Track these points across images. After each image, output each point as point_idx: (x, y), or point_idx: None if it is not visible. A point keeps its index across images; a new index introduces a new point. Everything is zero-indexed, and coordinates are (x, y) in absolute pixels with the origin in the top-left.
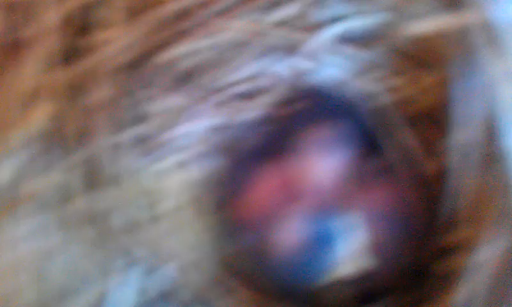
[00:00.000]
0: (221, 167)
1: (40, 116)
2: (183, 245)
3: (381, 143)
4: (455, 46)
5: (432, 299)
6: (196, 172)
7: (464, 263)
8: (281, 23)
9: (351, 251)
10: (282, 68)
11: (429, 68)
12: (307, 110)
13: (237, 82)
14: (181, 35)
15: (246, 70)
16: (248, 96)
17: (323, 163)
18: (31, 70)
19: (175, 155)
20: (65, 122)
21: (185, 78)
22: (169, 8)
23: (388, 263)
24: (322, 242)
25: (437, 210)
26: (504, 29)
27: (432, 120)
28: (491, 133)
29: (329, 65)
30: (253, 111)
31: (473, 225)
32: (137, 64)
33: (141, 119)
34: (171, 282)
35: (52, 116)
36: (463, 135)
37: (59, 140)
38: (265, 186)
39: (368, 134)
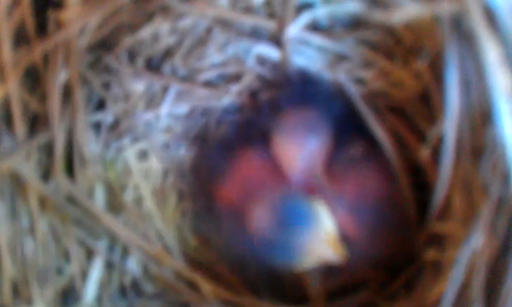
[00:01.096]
0: (190, 156)
1: None
2: (145, 236)
3: (360, 131)
4: (438, 35)
5: (421, 286)
6: (159, 161)
7: (455, 252)
8: (249, 11)
9: (322, 235)
10: (250, 56)
11: (401, 60)
12: (277, 98)
13: (204, 69)
14: (145, 19)
15: (213, 57)
16: (215, 84)
17: (295, 149)
18: None
19: (138, 143)
20: (18, 106)
21: (149, 64)
22: None
23: (372, 251)
24: (292, 225)
25: (425, 199)
26: (499, 15)
27: (404, 113)
28: (483, 120)
29: (298, 54)
30: (219, 99)
31: (463, 214)
32: (98, 48)
33: (102, 104)
34: (133, 275)
35: (2, 101)
36: (452, 124)
37: (10, 125)
38: (238, 173)
39: (342, 122)
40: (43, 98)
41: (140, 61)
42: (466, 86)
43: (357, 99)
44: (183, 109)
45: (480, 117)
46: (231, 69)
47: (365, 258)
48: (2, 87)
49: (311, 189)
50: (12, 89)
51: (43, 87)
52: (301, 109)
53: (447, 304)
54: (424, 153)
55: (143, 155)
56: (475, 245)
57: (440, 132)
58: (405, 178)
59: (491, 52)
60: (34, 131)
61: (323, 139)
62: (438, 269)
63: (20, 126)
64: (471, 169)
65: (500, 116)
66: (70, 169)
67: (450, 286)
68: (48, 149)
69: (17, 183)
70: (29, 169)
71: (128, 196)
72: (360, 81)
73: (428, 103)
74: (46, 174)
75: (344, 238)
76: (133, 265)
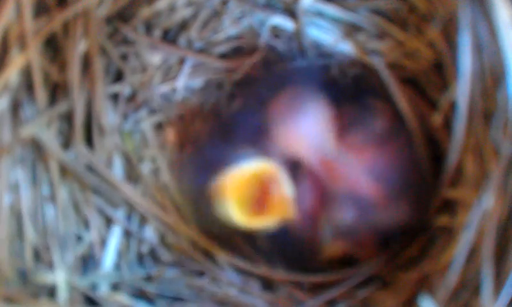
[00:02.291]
0: (203, 130)
1: (12, 69)
2: (162, 206)
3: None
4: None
5: (433, 252)
6: (175, 134)
7: (466, 216)
8: None
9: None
10: (265, 28)
11: (415, 29)
12: (288, 72)
13: (219, 42)
14: None
15: (228, 30)
16: (230, 56)
17: (305, 122)
18: (1, 22)
19: (154, 115)
20: (39, 75)
21: (165, 36)
22: None
23: (390, 217)
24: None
25: (438, 169)
26: None
27: (418, 85)
28: (495, 83)
29: (312, 26)
30: (234, 72)
31: (475, 179)
32: (115, 20)
33: (119, 76)
34: (150, 243)
35: (24, 69)
36: (464, 87)
37: (31, 93)
38: (249, 148)
39: (352, 94)
40: (63, 67)
41: (157, 33)
42: (478, 49)
43: (381, 67)
44: (198, 82)
45: (492, 80)
46: (246, 42)
47: (387, 224)
48: (23, 56)
49: (326, 163)
50: (33, 57)
51: (63, 57)
52: (296, 87)
53: (457, 267)
54: (437, 119)
55: (160, 127)
56: (485, 207)
57: (452, 97)
58: (423, 146)
59: (503, 13)
60: (55, 100)
61: (322, 115)
62: (450, 235)
63: (41, 95)
64: (482, 133)
65: (511, 76)
66: (88, 139)
67: (460, 250)
68: (68, 118)
69: (38, 151)
70: (50, 137)
71: (145, 167)
72: (374, 52)
73: (441, 73)
74: (66, 144)
75: (367, 203)
76: (150, 233)
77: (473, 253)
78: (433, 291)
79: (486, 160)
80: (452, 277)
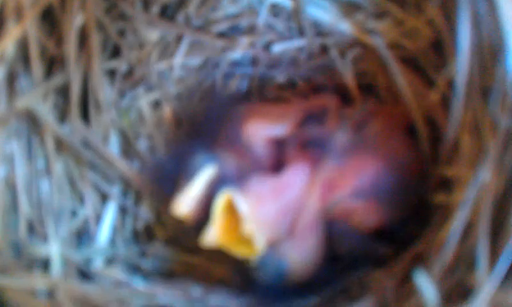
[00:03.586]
0: (202, 108)
1: (8, 40)
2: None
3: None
4: None
5: (429, 231)
6: (172, 112)
7: (462, 193)
8: None
9: None
10: (264, 7)
11: (413, 7)
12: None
13: (217, 20)
14: None
15: (226, 8)
16: (228, 35)
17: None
18: None
19: (151, 92)
20: (35, 47)
21: (163, 13)
22: None
23: (390, 195)
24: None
25: (437, 143)
26: None
27: (417, 64)
28: (493, 58)
29: (311, 5)
30: (232, 51)
31: (471, 156)
32: None
33: (116, 52)
34: (145, 220)
35: (20, 41)
36: (463, 63)
37: (27, 66)
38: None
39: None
40: (59, 41)
41: (155, 9)
42: (477, 24)
43: (381, 46)
44: (196, 60)
45: (491, 55)
46: (244, 20)
47: (397, 198)
48: (19, 27)
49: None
50: (29, 29)
51: (59, 31)
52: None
53: (452, 243)
54: (434, 96)
55: (157, 105)
56: (482, 182)
57: (450, 74)
58: (421, 126)
59: None
60: (51, 73)
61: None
62: (446, 213)
63: (37, 67)
64: (480, 108)
65: (509, 49)
66: (85, 115)
67: (456, 225)
68: (64, 93)
69: (34, 124)
70: (45, 111)
71: (141, 145)
72: (373, 32)
73: (440, 52)
74: (62, 118)
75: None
76: (145, 211)
77: (469, 229)
78: (429, 267)
79: (483, 135)
80: (448, 253)
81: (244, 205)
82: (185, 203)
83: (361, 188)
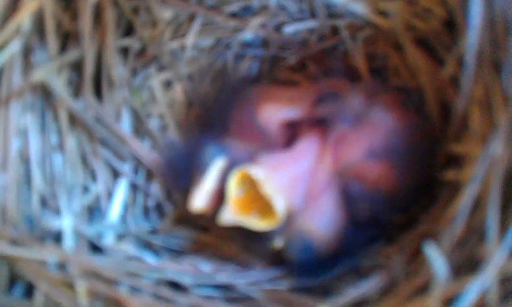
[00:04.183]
0: (213, 89)
1: (24, 12)
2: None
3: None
4: None
5: (438, 207)
6: (184, 92)
7: (472, 169)
8: None
9: None
10: None
11: None
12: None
13: (230, 1)
14: None
15: None
16: (240, 16)
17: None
18: None
19: (163, 72)
20: (51, 21)
21: None
22: None
23: (401, 158)
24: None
25: (446, 122)
26: None
27: (428, 45)
28: (506, 32)
29: None
30: (243, 32)
31: (481, 133)
32: None
33: (129, 31)
34: (156, 198)
35: (36, 14)
36: (474, 36)
37: (44, 39)
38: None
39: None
40: (74, 16)
41: None
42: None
43: (396, 27)
44: (207, 41)
45: (503, 30)
46: (256, 1)
47: (406, 174)
48: (36, 1)
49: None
50: (45, 2)
51: (75, 6)
52: None
53: (462, 216)
54: (446, 72)
55: (168, 85)
56: (493, 155)
57: (461, 51)
58: (432, 104)
59: None
60: (66, 48)
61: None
62: (455, 189)
63: (52, 41)
64: (491, 83)
65: None
66: (97, 92)
67: (466, 198)
68: (78, 68)
69: (48, 99)
70: (59, 85)
71: (153, 124)
72: (385, 13)
73: (452, 33)
74: (75, 94)
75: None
76: (156, 188)
77: (479, 202)
78: (438, 241)
79: (494, 109)
80: (458, 226)
81: (259, 170)
82: (200, 198)
83: (374, 149)
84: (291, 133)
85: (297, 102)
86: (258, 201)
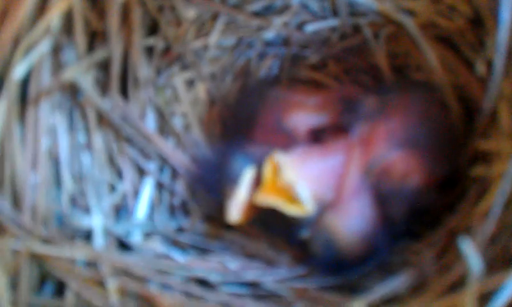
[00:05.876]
0: (235, 88)
1: (54, 12)
2: (192, 161)
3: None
4: None
5: (466, 204)
6: (206, 91)
7: (503, 166)
8: None
9: None
10: None
11: None
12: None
13: (252, 0)
14: None
15: None
16: (263, 15)
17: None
18: None
19: (186, 71)
20: (80, 20)
21: None
22: None
23: (424, 145)
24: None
25: (474, 116)
26: None
27: (452, 43)
28: None
29: None
30: (265, 31)
31: (511, 129)
32: None
33: (153, 30)
34: (182, 196)
35: (65, 14)
36: (504, 33)
37: (72, 39)
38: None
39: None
40: (102, 15)
41: None
42: None
43: (410, 25)
44: (230, 40)
45: None
46: (278, 0)
47: (433, 170)
48: (65, 0)
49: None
50: (74, 2)
51: (102, 5)
52: None
53: (495, 213)
54: (480, 67)
55: (191, 84)
56: None
57: (490, 48)
58: (453, 101)
59: None
60: (93, 48)
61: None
62: (484, 185)
63: (81, 40)
64: None
65: None
66: (123, 91)
67: (499, 195)
68: (105, 67)
69: (76, 98)
70: (88, 84)
71: (176, 122)
72: (408, 11)
73: (477, 31)
74: (102, 93)
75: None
76: (181, 187)
77: (510, 203)
78: (471, 236)
79: None
80: (491, 222)
81: (286, 158)
82: (236, 210)
83: (395, 140)
84: (317, 140)
85: (324, 109)
86: (290, 190)
